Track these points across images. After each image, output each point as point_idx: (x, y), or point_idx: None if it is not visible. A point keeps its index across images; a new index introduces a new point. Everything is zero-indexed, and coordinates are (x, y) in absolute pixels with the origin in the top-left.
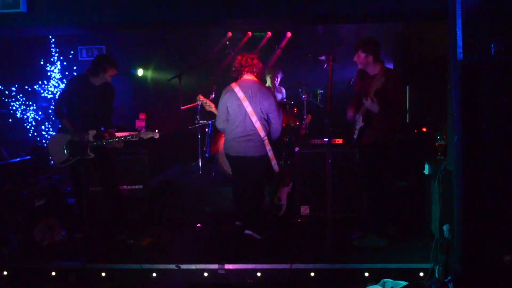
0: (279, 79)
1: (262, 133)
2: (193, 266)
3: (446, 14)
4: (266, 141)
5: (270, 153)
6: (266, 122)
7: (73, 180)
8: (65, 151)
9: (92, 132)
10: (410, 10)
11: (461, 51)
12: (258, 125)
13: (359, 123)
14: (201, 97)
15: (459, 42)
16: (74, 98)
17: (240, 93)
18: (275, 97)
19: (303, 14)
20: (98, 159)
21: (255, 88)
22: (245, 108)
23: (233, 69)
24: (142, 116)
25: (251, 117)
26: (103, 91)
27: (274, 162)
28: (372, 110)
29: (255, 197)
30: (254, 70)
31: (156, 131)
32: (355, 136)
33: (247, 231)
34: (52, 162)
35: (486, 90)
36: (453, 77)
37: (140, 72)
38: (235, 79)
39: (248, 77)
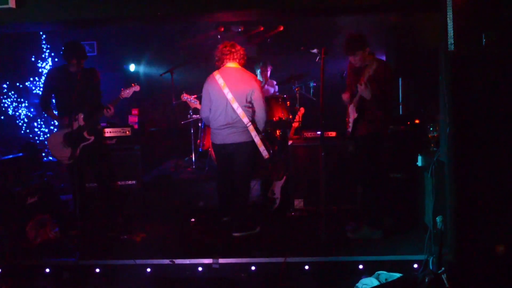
0: (269, 72)
1: (245, 120)
2: (187, 261)
3: (438, 5)
4: (251, 127)
5: (257, 139)
6: (251, 109)
7: (70, 177)
8: (65, 146)
9: (80, 116)
10: (402, 2)
11: (452, 42)
12: (240, 111)
13: (353, 115)
14: (185, 95)
15: (450, 33)
16: (54, 88)
17: (220, 80)
18: (259, 84)
19: (295, 6)
20: (94, 153)
21: (238, 75)
22: (225, 95)
23: (216, 58)
24: (135, 111)
25: (232, 104)
26: (82, 77)
27: (262, 148)
28: (365, 97)
29: (240, 190)
30: (236, 57)
31: (134, 84)
32: (349, 129)
33: (235, 233)
34: (59, 161)
35: (478, 81)
36: (444, 68)
37: (132, 67)
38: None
39: (231, 64)
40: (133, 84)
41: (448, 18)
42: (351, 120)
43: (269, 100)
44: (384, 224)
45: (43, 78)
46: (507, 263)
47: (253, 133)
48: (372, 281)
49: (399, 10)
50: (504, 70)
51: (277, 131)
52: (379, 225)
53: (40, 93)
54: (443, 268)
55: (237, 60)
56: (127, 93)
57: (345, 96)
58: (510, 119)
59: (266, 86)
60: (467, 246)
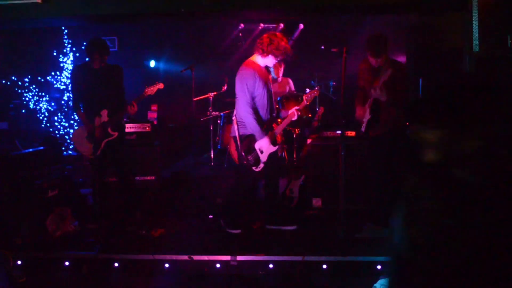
0: (282, 69)
1: (234, 112)
2: (205, 258)
3: (463, 5)
4: (234, 121)
5: (233, 134)
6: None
7: (92, 171)
8: (90, 141)
9: (105, 112)
10: (427, 2)
11: (477, 43)
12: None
13: (367, 116)
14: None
15: (475, 34)
16: (79, 86)
17: None
18: (247, 78)
19: (316, 5)
20: (117, 149)
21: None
22: None
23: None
24: (154, 107)
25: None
26: (105, 73)
27: (238, 144)
28: (380, 99)
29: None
30: (258, 46)
31: (158, 82)
32: (362, 129)
33: (269, 226)
34: (82, 155)
35: (502, 82)
36: (469, 69)
37: (152, 63)
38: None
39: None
40: (156, 82)
41: (473, 19)
42: (365, 120)
43: (288, 98)
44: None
45: (64, 72)
46: None
47: (234, 127)
48: None
49: (424, 10)
50: None
51: (296, 130)
52: (384, 223)
53: (70, 94)
54: None
55: (257, 52)
56: (151, 90)
57: (358, 112)
58: None
59: (278, 83)
60: None
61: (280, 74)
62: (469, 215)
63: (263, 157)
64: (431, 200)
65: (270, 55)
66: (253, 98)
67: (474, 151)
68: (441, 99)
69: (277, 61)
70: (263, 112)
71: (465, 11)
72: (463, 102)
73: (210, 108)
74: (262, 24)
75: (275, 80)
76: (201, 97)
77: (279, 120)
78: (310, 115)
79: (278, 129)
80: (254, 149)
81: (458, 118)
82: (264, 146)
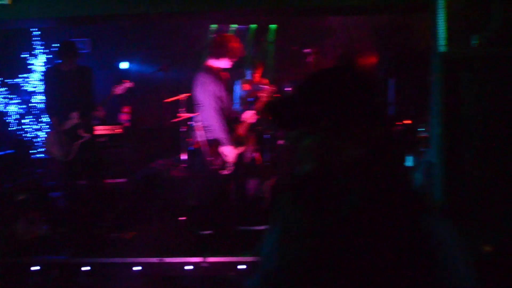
0: (259, 72)
1: (196, 118)
2: (176, 260)
3: (429, 6)
4: (198, 127)
5: (200, 139)
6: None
7: (62, 174)
8: (62, 144)
9: (75, 114)
10: (394, 3)
11: (443, 43)
12: None
13: None
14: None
15: (441, 34)
16: (51, 88)
17: None
18: (208, 83)
19: (289, 6)
20: (88, 151)
21: None
22: None
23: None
24: (126, 109)
25: None
26: (75, 75)
27: (205, 149)
28: None
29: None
30: (211, 51)
31: (126, 81)
32: None
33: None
34: (54, 158)
35: (468, 82)
36: (434, 70)
37: (124, 65)
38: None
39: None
40: (124, 81)
41: (439, 20)
42: None
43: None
44: None
45: (34, 74)
46: (495, 263)
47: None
48: None
49: (391, 11)
50: (494, 72)
51: (268, 131)
52: None
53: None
54: None
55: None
56: (120, 89)
57: None
58: (499, 120)
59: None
60: None
61: (257, 75)
62: (344, 238)
63: (231, 160)
64: (303, 218)
65: (223, 58)
66: (216, 102)
67: (356, 160)
68: (312, 98)
69: (233, 63)
70: (225, 115)
71: (431, 11)
72: (338, 101)
73: (181, 109)
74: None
75: (250, 81)
76: (172, 98)
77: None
78: None
79: (241, 131)
80: (221, 153)
81: (335, 121)
82: (230, 149)
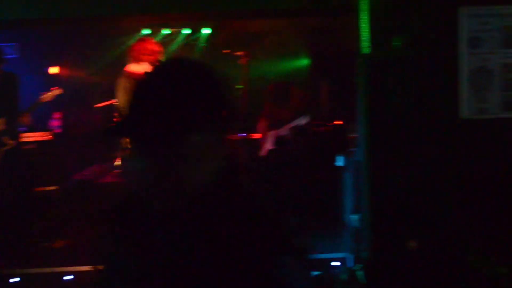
0: None
1: None
2: None
3: (353, 8)
4: None
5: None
6: None
7: None
8: None
9: (1, 121)
10: (319, 6)
11: (367, 45)
12: None
13: (269, 145)
14: None
15: (365, 36)
16: None
17: None
18: (122, 90)
19: (218, 10)
20: (14, 158)
21: None
22: None
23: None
24: (57, 115)
25: None
26: (1, 81)
27: None
28: (286, 138)
29: None
30: (130, 55)
31: (55, 88)
32: (262, 153)
33: None
34: None
35: (390, 83)
36: (359, 71)
37: (54, 70)
38: None
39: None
40: (52, 89)
41: (362, 22)
42: (267, 148)
43: None
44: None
45: None
46: (419, 258)
47: None
48: None
49: (316, 14)
50: (415, 73)
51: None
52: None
53: None
54: (360, 265)
55: None
56: (48, 96)
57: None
58: (419, 119)
59: None
60: (381, 242)
61: None
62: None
63: None
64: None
65: (143, 62)
66: None
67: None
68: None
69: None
70: None
71: (354, 14)
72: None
73: (115, 114)
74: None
75: None
76: (105, 103)
77: None
78: None
79: None
80: None
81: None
82: None
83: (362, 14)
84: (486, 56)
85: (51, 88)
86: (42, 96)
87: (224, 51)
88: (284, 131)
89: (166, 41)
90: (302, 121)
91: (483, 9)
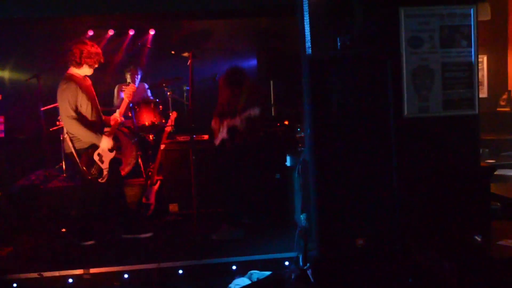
0: (139, 77)
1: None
2: (56, 273)
3: (296, 9)
4: (66, 138)
5: (69, 150)
6: None
7: None
8: None
9: None
10: (263, 6)
11: (309, 45)
12: None
13: (222, 134)
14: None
15: (308, 37)
16: None
17: None
18: (68, 93)
19: (164, 10)
20: None
21: None
22: None
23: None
24: (0, 119)
25: None
26: None
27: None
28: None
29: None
30: (70, 59)
31: None
32: (216, 142)
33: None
34: None
35: (334, 83)
36: (303, 72)
37: None
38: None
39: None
40: None
41: (304, 22)
42: (220, 136)
43: (140, 105)
44: (245, 223)
45: None
46: (366, 255)
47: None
48: (244, 280)
49: (261, 14)
50: (357, 72)
51: (150, 136)
52: (238, 224)
53: None
54: (308, 264)
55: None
56: None
57: (214, 123)
58: (363, 119)
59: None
60: (329, 241)
61: (137, 81)
62: None
63: (105, 166)
64: None
65: (84, 65)
66: (77, 110)
67: None
68: None
69: (93, 69)
70: (92, 120)
71: (298, 15)
72: None
73: (59, 117)
74: (112, 31)
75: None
76: (49, 106)
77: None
78: (163, 120)
79: (110, 133)
80: (94, 161)
81: None
82: (103, 154)
83: (305, 15)
84: (426, 56)
85: None
86: None
87: (172, 52)
88: (237, 120)
89: (112, 43)
90: (254, 111)
91: (422, 9)
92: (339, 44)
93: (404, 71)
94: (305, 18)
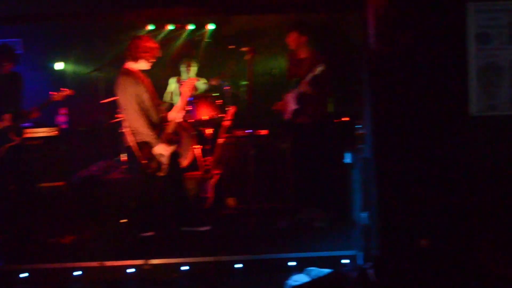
0: (192, 71)
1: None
2: (117, 263)
3: (358, 4)
4: (127, 132)
5: (129, 144)
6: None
7: None
8: None
9: (8, 117)
10: (325, 1)
11: (372, 41)
12: None
13: (292, 105)
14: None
15: (370, 32)
16: None
17: None
18: (128, 87)
19: (222, 4)
20: (18, 155)
21: None
22: None
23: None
24: (63, 111)
25: None
26: (10, 79)
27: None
28: (307, 92)
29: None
30: (127, 54)
31: (65, 89)
32: (288, 116)
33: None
34: None
35: (397, 79)
36: (365, 67)
37: (59, 65)
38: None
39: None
40: (65, 89)
41: (368, 17)
42: (290, 109)
43: (199, 99)
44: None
45: None
46: (430, 257)
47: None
48: (302, 277)
49: (322, 10)
50: (422, 68)
51: (209, 130)
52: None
53: None
54: (370, 263)
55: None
56: (58, 96)
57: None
58: (428, 115)
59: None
60: (392, 240)
61: (192, 75)
62: None
63: (165, 160)
64: None
65: (141, 59)
66: (139, 104)
67: None
68: None
69: (151, 63)
70: (152, 115)
71: (362, 9)
72: None
73: (119, 110)
74: (170, 25)
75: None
76: (110, 99)
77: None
78: (221, 115)
79: (170, 128)
80: (154, 155)
81: None
82: (162, 149)
83: (367, 10)
84: (495, 52)
85: (61, 89)
86: (52, 96)
87: (229, 46)
88: (302, 86)
89: (170, 37)
90: (318, 70)
91: (491, 5)
92: (403, 40)
93: (471, 68)
94: (368, 12)
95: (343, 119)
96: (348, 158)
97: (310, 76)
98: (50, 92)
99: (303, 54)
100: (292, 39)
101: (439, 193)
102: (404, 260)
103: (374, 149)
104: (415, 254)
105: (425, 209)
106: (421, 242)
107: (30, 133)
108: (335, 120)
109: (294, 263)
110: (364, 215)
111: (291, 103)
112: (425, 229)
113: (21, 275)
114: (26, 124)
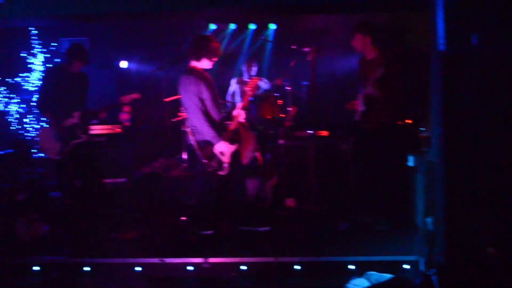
0: (254, 70)
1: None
2: (177, 260)
3: (427, 4)
4: (188, 131)
5: (190, 142)
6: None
7: (58, 174)
8: (57, 141)
9: (77, 114)
10: (392, 1)
11: (442, 42)
12: None
13: (361, 107)
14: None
15: (440, 32)
16: (52, 88)
17: None
18: (190, 86)
19: (283, 4)
20: (83, 151)
21: None
22: None
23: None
24: (127, 109)
25: None
26: (80, 78)
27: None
28: (373, 95)
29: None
30: (190, 53)
31: (134, 93)
32: (357, 118)
33: (244, 228)
34: (47, 156)
35: (468, 81)
36: (434, 69)
37: (124, 64)
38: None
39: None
40: (133, 93)
41: (438, 17)
42: (358, 111)
43: (261, 99)
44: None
45: (34, 74)
46: (498, 266)
47: (190, 137)
48: (362, 281)
49: (390, 9)
50: (494, 70)
51: (269, 130)
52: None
53: (38, 94)
54: (433, 270)
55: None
56: (127, 99)
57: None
58: (500, 119)
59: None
60: (457, 247)
61: (253, 74)
62: None
63: (226, 159)
64: None
65: (204, 58)
66: (201, 103)
67: None
68: None
69: (213, 62)
70: (213, 114)
71: (430, 9)
72: None
73: (181, 108)
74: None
75: (245, 81)
76: (172, 97)
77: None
78: (282, 115)
79: (232, 127)
80: (215, 154)
81: None
82: (223, 148)
83: (437, 9)
84: None
85: (132, 92)
86: (121, 98)
87: (291, 47)
88: (368, 88)
89: (231, 37)
90: (379, 73)
91: None
92: (474, 40)
93: None
94: (438, 12)
95: (406, 121)
96: (411, 161)
97: (373, 78)
98: (120, 97)
99: (369, 55)
100: (357, 41)
101: (509, 199)
102: (470, 269)
103: (441, 153)
104: (482, 262)
105: (494, 216)
106: (488, 251)
107: (94, 129)
108: (398, 122)
109: (353, 267)
110: (428, 220)
111: (360, 104)
112: (493, 237)
113: (84, 269)
114: (91, 122)
